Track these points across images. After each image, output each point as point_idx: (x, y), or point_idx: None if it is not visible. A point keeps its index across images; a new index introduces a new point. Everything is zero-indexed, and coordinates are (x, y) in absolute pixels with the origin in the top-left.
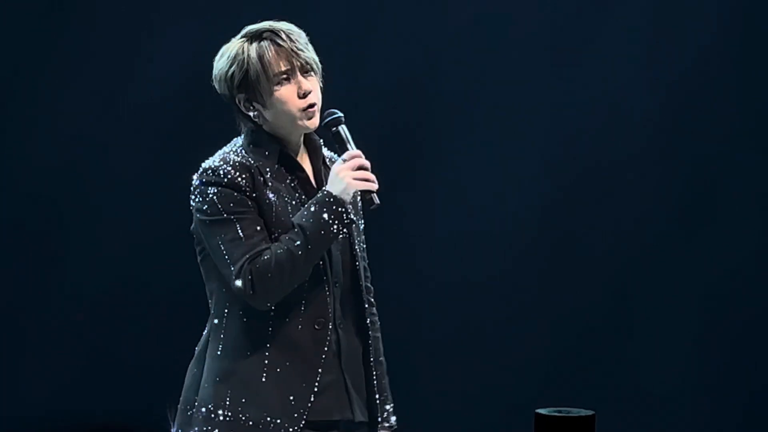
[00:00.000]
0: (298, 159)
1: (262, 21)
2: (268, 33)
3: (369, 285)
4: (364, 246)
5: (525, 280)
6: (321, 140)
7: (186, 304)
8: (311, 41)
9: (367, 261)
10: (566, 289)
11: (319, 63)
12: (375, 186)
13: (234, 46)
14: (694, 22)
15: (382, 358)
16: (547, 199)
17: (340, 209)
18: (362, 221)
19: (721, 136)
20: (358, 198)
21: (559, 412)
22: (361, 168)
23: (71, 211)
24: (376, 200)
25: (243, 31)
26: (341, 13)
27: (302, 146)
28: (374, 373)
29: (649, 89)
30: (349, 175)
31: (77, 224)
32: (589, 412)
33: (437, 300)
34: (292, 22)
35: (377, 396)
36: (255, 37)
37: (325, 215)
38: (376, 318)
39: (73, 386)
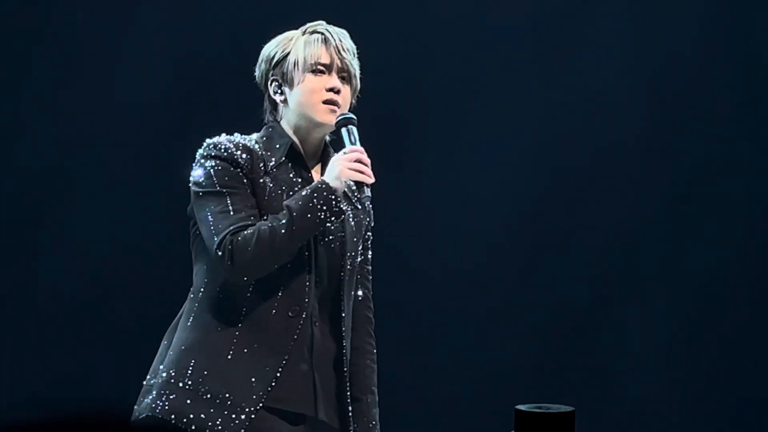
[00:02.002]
0: (310, 165)
1: (258, 20)
2: (323, 29)
3: (370, 316)
4: (370, 277)
5: (505, 278)
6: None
7: (173, 303)
8: None
9: (372, 293)
10: (546, 286)
11: (359, 78)
12: (369, 180)
13: (287, 34)
14: (680, 21)
15: (374, 388)
16: (528, 198)
17: (330, 196)
18: (370, 252)
19: (708, 134)
20: (367, 223)
21: (539, 408)
22: (358, 161)
23: (56, 210)
24: (367, 192)
25: (303, 26)
26: (328, 11)
27: (318, 156)
28: (347, 386)
29: (637, 87)
30: (344, 164)
31: (61, 222)
32: (569, 409)
33: (416, 297)
34: (284, 19)
35: (350, 412)
36: (310, 31)
37: (315, 200)
38: (373, 349)
39: (55, 379)
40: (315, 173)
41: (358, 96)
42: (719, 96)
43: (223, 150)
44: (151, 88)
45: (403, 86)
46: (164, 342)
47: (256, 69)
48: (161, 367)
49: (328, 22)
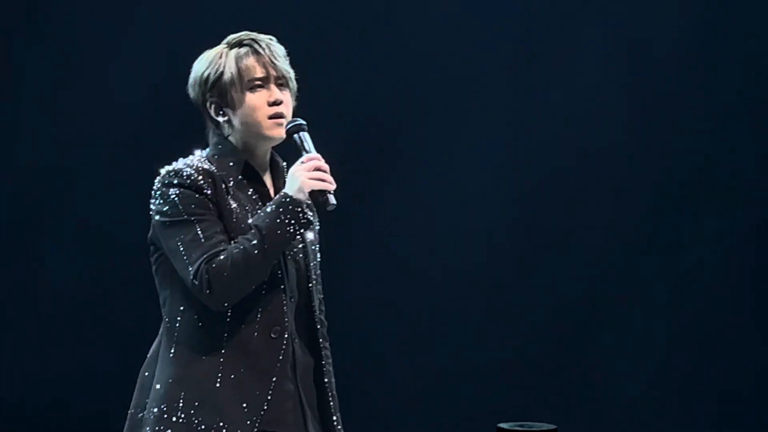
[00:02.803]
0: (263, 177)
1: (258, 20)
2: (249, 41)
3: (323, 319)
4: (320, 279)
5: (487, 294)
6: (285, 163)
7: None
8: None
9: (322, 295)
10: (528, 303)
11: (294, 81)
12: (331, 186)
13: (214, 51)
14: (663, 28)
15: (335, 392)
16: (512, 209)
17: (296, 209)
18: (318, 255)
19: (691, 141)
20: (317, 227)
21: (522, 426)
22: (318, 169)
23: (51, 211)
24: (332, 200)
25: (226, 39)
26: (322, 13)
27: (267, 165)
28: (330, 395)
29: (621, 92)
30: (305, 175)
31: (61, 222)
32: (551, 427)
33: (396, 314)
34: (270, 25)
35: (334, 418)
36: (236, 44)
37: (282, 215)
38: (330, 354)
39: (49, 382)
40: (269, 183)
41: (297, 96)
42: (703, 106)
43: (185, 177)
44: (150, 87)
45: (400, 87)
46: (145, 373)
47: (190, 90)
48: (149, 402)
49: (321, 24)
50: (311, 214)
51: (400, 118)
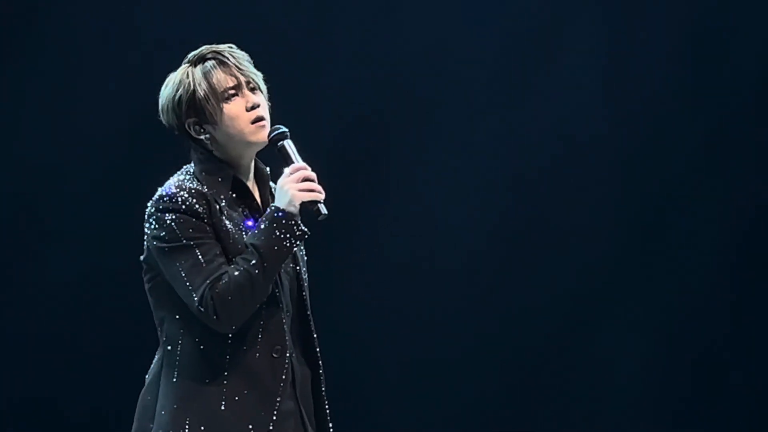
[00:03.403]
0: (248, 183)
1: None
2: (212, 53)
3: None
4: (307, 278)
5: (479, 308)
6: (268, 168)
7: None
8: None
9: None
10: (523, 311)
11: (264, 81)
12: (321, 196)
13: (178, 73)
14: (649, 49)
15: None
16: (503, 223)
17: (290, 222)
18: (305, 257)
19: (688, 140)
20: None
21: None
22: (306, 179)
23: (49, 214)
24: (323, 210)
25: (186, 58)
26: (297, 34)
27: (252, 173)
28: (326, 403)
29: (616, 93)
30: (294, 187)
31: (55, 226)
32: None
33: (389, 327)
34: (269, 25)
35: (330, 426)
36: (198, 60)
37: (277, 231)
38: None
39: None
40: (255, 193)
41: (269, 97)
42: (689, 126)
43: (180, 202)
44: (146, 95)
45: (395, 88)
46: (147, 398)
47: (162, 116)
48: (154, 427)
49: (298, 43)
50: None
51: (395, 119)
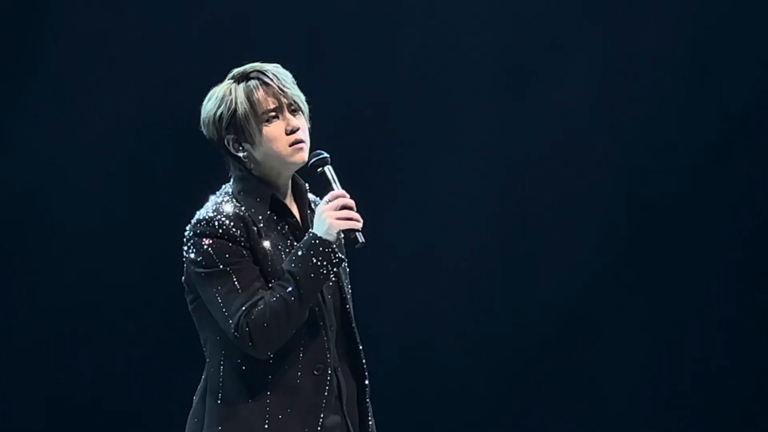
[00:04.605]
0: (287, 203)
1: (235, 55)
2: (255, 73)
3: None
4: (350, 290)
5: (479, 308)
6: (306, 185)
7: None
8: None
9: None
10: (522, 310)
11: (306, 103)
12: (359, 225)
13: (221, 88)
14: (649, 49)
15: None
16: (503, 222)
17: (327, 250)
18: (347, 269)
19: (677, 159)
20: (342, 239)
21: None
22: (344, 207)
23: (33, 234)
24: (361, 239)
25: (230, 74)
26: (298, 44)
27: (290, 190)
28: (370, 415)
29: (607, 109)
30: (332, 215)
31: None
32: None
33: (389, 326)
34: (265, 27)
35: None
36: (242, 77)
37: (314, 258)
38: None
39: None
40: (294, 209)
41: (310, 116)
42: (685, 127)
43: (217, 226)
44: (146, 98)
45: (392, 89)
46: (194, 419)
47: (204, 129)
48: None
49: (297, 55)
50: (342, 253)
51: (399, 116)
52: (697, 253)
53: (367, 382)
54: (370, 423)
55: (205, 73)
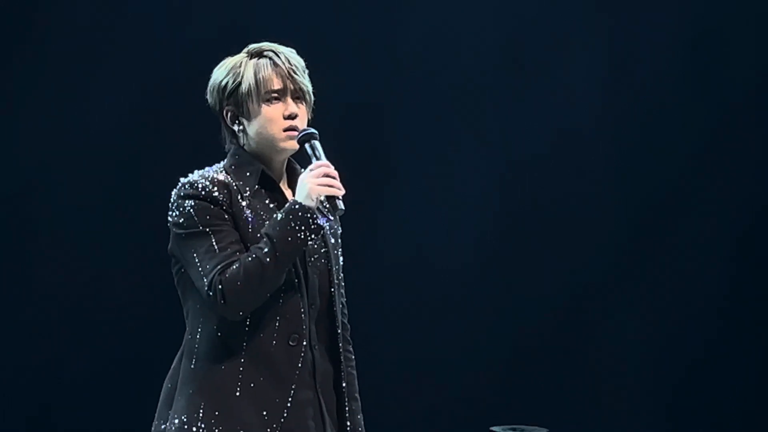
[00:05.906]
0: (280, 184)
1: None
2: (269, 52)
3: (346, 322)
4: (342, 284)
5: (479, 299)
6: (303, 170)
7: (145, 324)
8: None
9: (345, 299)
10: (521, 307)
11: (312, 95)
12: (339, 192)
13: (234, 59)
14: (649, 49)
15: (357, 395)
16: (501, 221)
17: (306, 215)
18: (342, 258)
19: (682, 144)
20: (339, 231)
21: (514, 429)
22: (326, 175)
23: (45, 214)
24: (341, 206)
25: (246, 48)
26: (297, 33)
27: (284, 173)
28: (346, 401)
29: (607, 108)
30: (313, 181)
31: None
32: (543, 430)
33: (391, 317)
34: (264, 29)
35: (348, 424)
36: (256, 54)
37: (292, 222)
38: (352, 356)
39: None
40: (286, 191)
41: (313, 108)
42: (688, 126)
43: (200, 189)
44: (142, 93)
45: (391, 89)
46: (168, 385)
47: (208, 96)
48: (171, 413)
49: (297, 44)
50: (326, 219)
51: (396, 115)
52: (697, 252)
53: (342, 367)
54: (357, 417)
55: (205, 73)
